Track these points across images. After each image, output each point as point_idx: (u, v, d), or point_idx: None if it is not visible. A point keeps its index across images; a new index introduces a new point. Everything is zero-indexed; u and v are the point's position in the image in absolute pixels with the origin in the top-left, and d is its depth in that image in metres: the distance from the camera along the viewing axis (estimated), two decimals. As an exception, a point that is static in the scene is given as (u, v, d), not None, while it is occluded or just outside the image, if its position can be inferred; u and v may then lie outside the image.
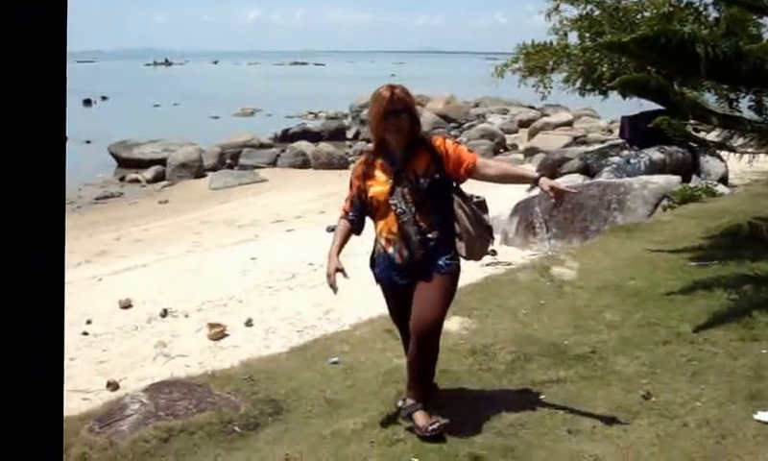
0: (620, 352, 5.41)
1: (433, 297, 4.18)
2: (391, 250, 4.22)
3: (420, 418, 4.25)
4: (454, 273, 4.27)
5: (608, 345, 5.57)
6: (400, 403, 4.44)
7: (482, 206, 4.41)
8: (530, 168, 3.61)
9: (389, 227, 4.21)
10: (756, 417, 4.39)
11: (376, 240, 4.38)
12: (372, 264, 4.45)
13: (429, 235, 4.16)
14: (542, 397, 4.76)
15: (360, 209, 4.36)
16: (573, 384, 4.94)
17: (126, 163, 26.62)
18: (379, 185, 4.23)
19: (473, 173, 4.19)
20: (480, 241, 4.33)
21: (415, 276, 4.20)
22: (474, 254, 4.36)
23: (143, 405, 4.45)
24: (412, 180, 4.15)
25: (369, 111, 4.37)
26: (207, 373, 5.25)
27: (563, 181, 13.25)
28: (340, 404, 4.73)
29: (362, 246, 4.64)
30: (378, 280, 4.45)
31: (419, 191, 4.13)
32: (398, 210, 4.16)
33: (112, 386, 6.56)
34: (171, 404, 4.49)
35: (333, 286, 4.18)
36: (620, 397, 4.72)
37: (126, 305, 9.05)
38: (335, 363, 5.40)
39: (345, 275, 4.17)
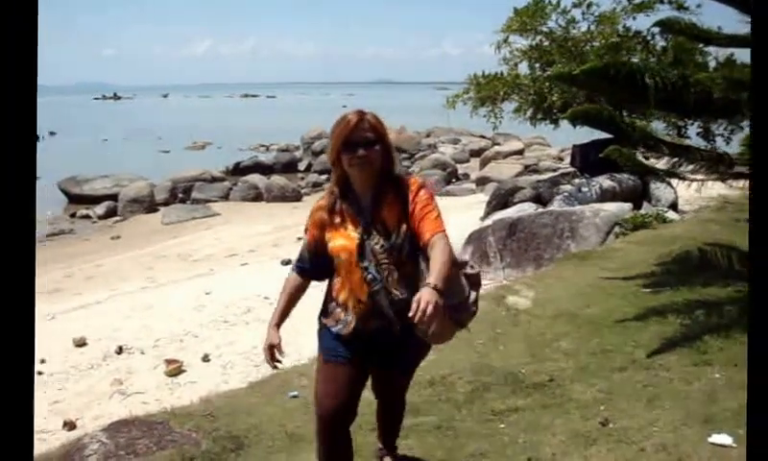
0: (577, 380, 5.47)
1: (404, 378, 3.79)
2: (350, 318, 3.34)
3: None
4: (423, 353, 3.67)
5: (565, 373, 5.63)
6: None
7: (472, 279, 3.38)
8: (435, 276, 2.84)
9: (355, 294, 3.31)
10: (710, 440, 4.48)
11: (328, 301, 3.49)
12: (321, 334, 3.57)
13: (404, 306, 2.99)
14: (502, 426, 4.80)
15: (316, 262, 3.44)
16: (532, 413, 4.98)
17: (76, 199, 26.38)
18: (342, 239, 3.30)
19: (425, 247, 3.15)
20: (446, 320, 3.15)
21: (386, 350, 3.43)
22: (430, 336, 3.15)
23: (102, 445, 4.39)
24: (383, 235, 3.25)
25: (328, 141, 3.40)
26: (167, 410, 5.19)
27: (515, 210, 13.43)
28: (301, 438, 4.70)
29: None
30: (326, 357, 3.52)
31: (392, 250, 3.23)
32: (369, 276, 3.24)
33: (69, 426, 6.47)
34: (131, 443, 4.44)
35: (270, 363, 3.52)
36: (579, 424, 4.77)
37: (80, 343, 8.92)
38: (295, 397, 5.39)
39: (280, 352, 3.47)
